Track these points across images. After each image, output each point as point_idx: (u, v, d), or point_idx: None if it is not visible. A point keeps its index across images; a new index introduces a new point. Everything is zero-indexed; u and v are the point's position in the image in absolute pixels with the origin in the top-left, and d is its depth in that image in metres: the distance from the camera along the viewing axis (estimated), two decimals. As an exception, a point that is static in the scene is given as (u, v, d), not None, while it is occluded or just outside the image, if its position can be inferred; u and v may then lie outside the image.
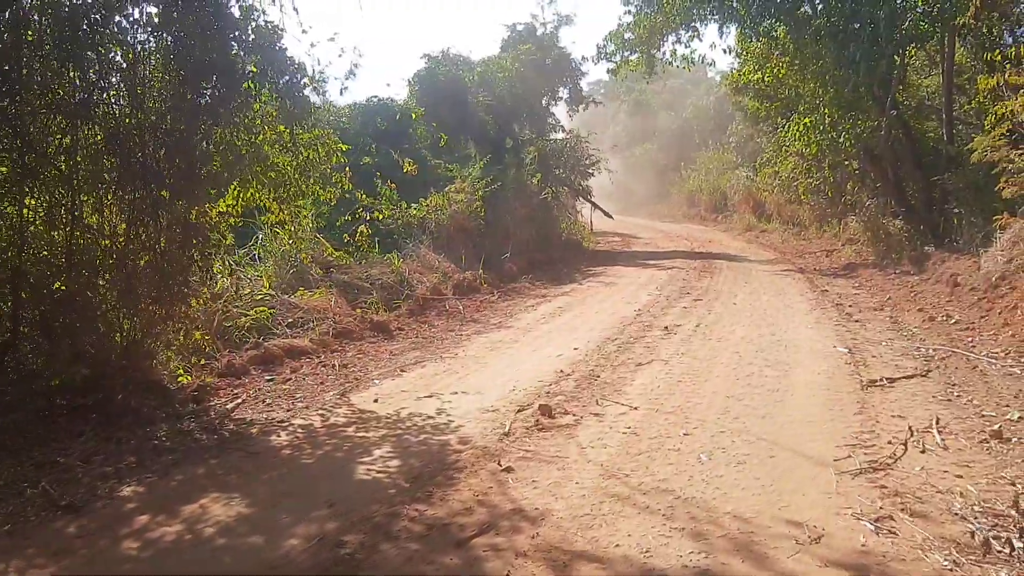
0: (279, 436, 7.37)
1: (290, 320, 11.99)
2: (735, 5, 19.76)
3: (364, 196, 12.78)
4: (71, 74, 8.01)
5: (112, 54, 8.39)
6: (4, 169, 7.79)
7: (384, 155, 20.93)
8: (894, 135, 18.36)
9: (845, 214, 23.15)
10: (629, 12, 23.45)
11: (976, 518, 4.94)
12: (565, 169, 27.47)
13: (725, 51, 24.14)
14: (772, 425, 7.00)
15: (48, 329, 7.99)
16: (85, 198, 8.29)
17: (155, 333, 8.79)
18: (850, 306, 13.54)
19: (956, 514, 5.02)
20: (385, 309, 13.66)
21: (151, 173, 8.46)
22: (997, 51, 15.05)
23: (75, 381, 7.76)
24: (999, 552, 4.57)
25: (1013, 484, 5.47)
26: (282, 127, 9.70)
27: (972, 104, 18.23)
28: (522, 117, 26.27)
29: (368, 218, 12.82)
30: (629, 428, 7.01)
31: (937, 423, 6.90)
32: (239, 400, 8.77)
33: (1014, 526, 4.78)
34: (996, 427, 6.63)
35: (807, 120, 20.13)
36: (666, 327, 11.90)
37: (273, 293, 12.56)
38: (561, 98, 28.91)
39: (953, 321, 11.47)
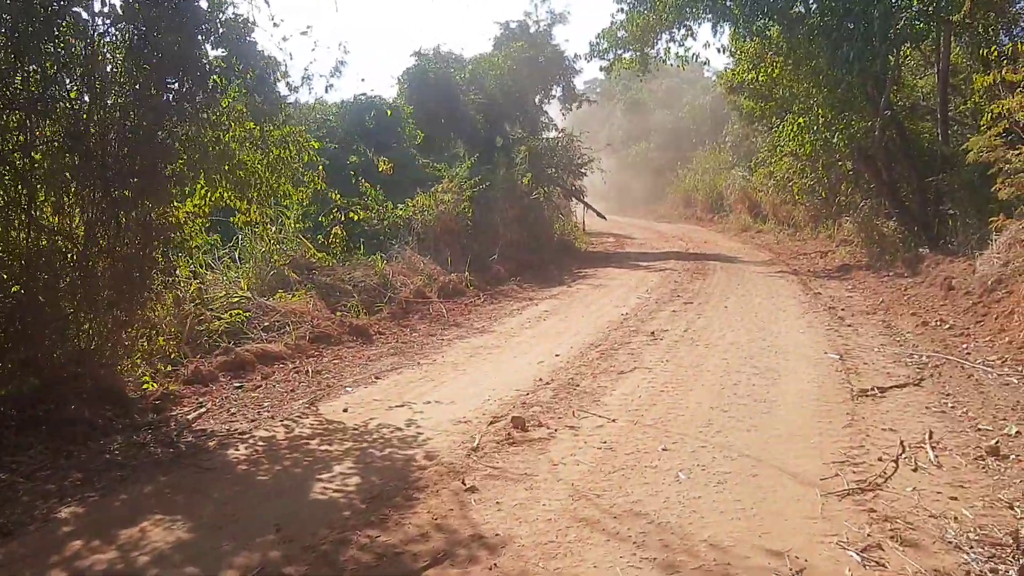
0: (238, 450, 6.98)
1: (266, 324, 11.62)
2: (728, 4, 19.46)
3: (339, 196, 12.42)
4: (28, 67, 7.64)
5: (72, 47, 8.00)
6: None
7: (370, 154, 20.58)
8: (888, 135, 18.01)
9: (839, 215, 22.81)
10: (622, 10, 23.07)
11: (971, 548, 4.57)
12: (557, 169, 27.09)
13: (719, 50, 23.73)
14: (757, 439, 6.62)
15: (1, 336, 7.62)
16: (44, 198, 7.92)
17: (114, 339, 8.41)
18: (843, 309, 13.18)
19: (950, 543, 4.64)
20: (366, 312, 13.29)
21: (112, 171, 8.11)
22: (994, 47, 14.70)
23: (21, 391, 7.37)
24: (996, 587, 4.21)
25: (1011, 508, 5.09)
26: (251, 124, 9.32)
27: (967, 104, 18.00)
28: (514, 116, 25.96)
29: (343, 219, 12.45)
30: (605, 443, 6.62)
31: (930, 437, 6.53)
32: (203, 409, 8.39)
33: (1012, 559, 4.41)
34: (993, 443, 6.26)
35: (801, 120, 19.86)
36: (652, 332, 11.52)
37: (249, 296, 12.16)
38: (554, 96, 28.61)
39: (947, 326, 11.11)
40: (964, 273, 13.14)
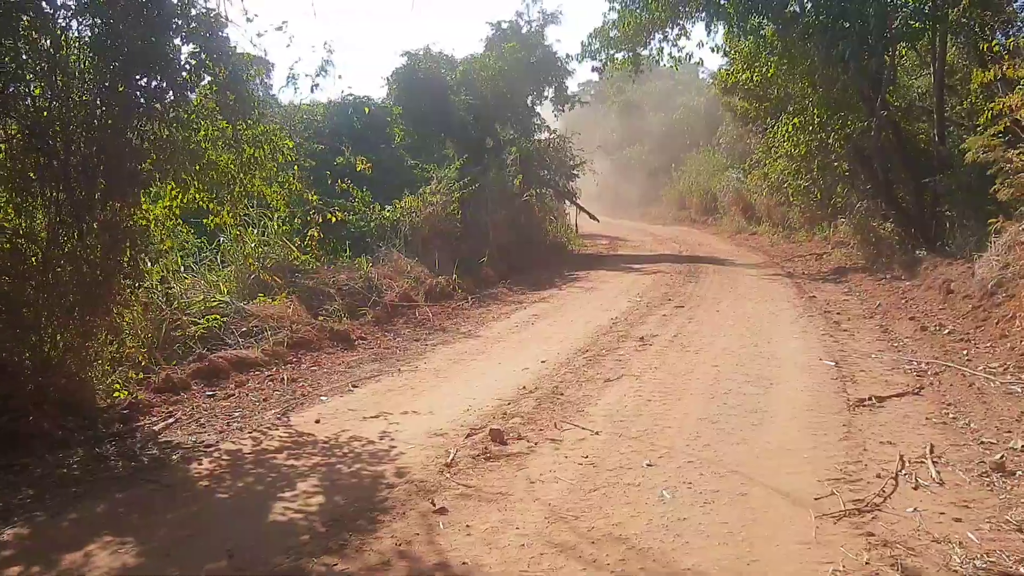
0: (201, 464, 6.62)
1: (244, 329, 11.24)
2: (722, 2, 19.09)
3: (316, 197, 12.07)
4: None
5: (35, 42, 7.64)
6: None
7: (356, 155, 20.18)
8: (884, 136, 17.67)
9: (835, 216, 22.53)
10: (614, 9, 22.70)
11: (979, 577, 4.22)
12: (549, 170, 26.73)
13: (713, 50, 23.37)
14: (747, 454, 6.26)
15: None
16: (6, 198, 7.57)
17: (79, 347, 8.03)
18: (838, 314, 12.85)
19: (954, 572, 4.29)
20: (349, 317, 12.91)
21: (77, 172, 7.76)
22: (995, 42, 14.39)
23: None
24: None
25: (1020, 531, 4.74)
26: (224, 122, 8.96)
27: (964, 104, 17.68)
28: (505, 117, 25.53)
29: (320, 221, 12.09)
30: (587, 457, 6.26)
31: (931, 452, 6.17)
32: (172, 420, 8.03)
33: (1024, 590, 4.06)
34: (998, 457, 5.91)
35: (796, 120, 19.59)
36: (642, 337, 11.17)
37: (228, 300, 11.78)
38: (546, 98, 28.23)
39: (946, 331, 10.77)
40: (963, 276, 12.80)
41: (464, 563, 4.53)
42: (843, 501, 5.25)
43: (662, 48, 23.05)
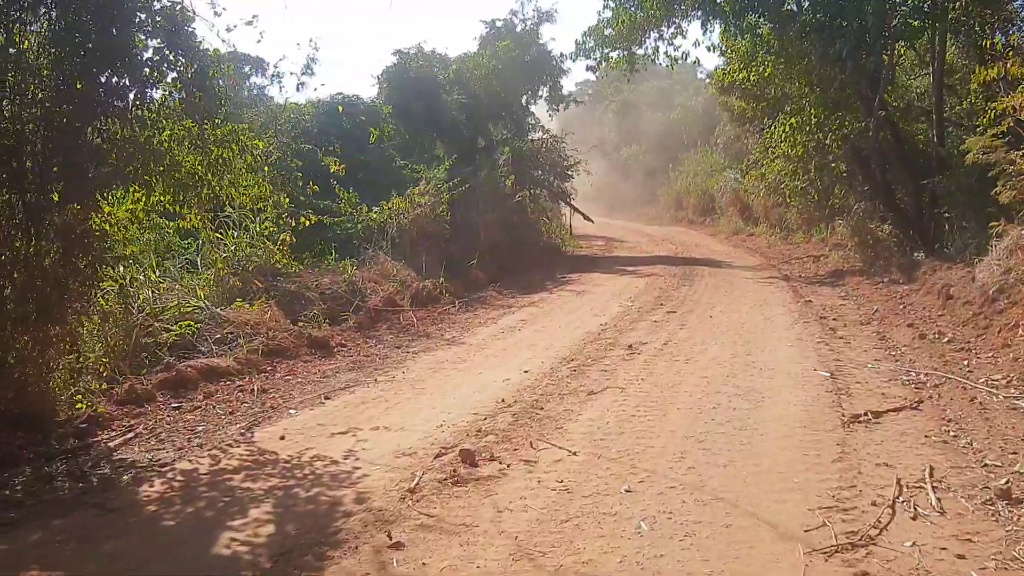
0: (152, 485, 6.20)
1: (218, 336, 10.82)
2: (718, 0, 18.70)
3: (287, 200, 11.67)
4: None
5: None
6: None
7: (345, 155, 19.73)
8: (882, 136, 17.29)
9: (833, 218, 22.15)
10: (608, 7, 22.29)
11: (984, 627, 3.80)
12: (543, 171, 26.31)
13: (709, 49, 23.05)
14: (734, 478, 5.83)
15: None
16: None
17: (32, 357, 7.61)
18: (834, 319, 12.44)
19: (958, 622, 3.88)
20: (329, 323, 12.49)
21: (32, 174, 7.37)
22: (998, 39, 14.01)
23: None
24: None
25: (1029, 570, 4.33)
26: (190, 122, 8.53)
27: (963, 105, 17.33)
28: (499, 116, 25.12)
29: (293, 224, 11.69)
30: (561, 482, 5.82)
31: (931, 475, 5.75)
32: (131, 435, 7.62)
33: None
34: (1003, 483, 5.48)
35: (793, 120, 19.22)
36: (630, 345, 10.74)
37: (203, 306, 11.34)
38: (541, 97, 27.83)
39: (946, 339, 10.36)
40: (963, 281, 12.38)
41: (414, 609, 4.11)
42: (835, 533, 4.83)
43: (658, 47, 22.72)
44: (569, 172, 27.48)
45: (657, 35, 22.54)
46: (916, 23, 16.14)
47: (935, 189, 16.17)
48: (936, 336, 10.62)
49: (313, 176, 18.56)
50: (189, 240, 12.99)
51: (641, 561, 4.56)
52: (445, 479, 5.92)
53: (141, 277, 11.06)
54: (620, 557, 4.61)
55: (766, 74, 19.45)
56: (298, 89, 21.03)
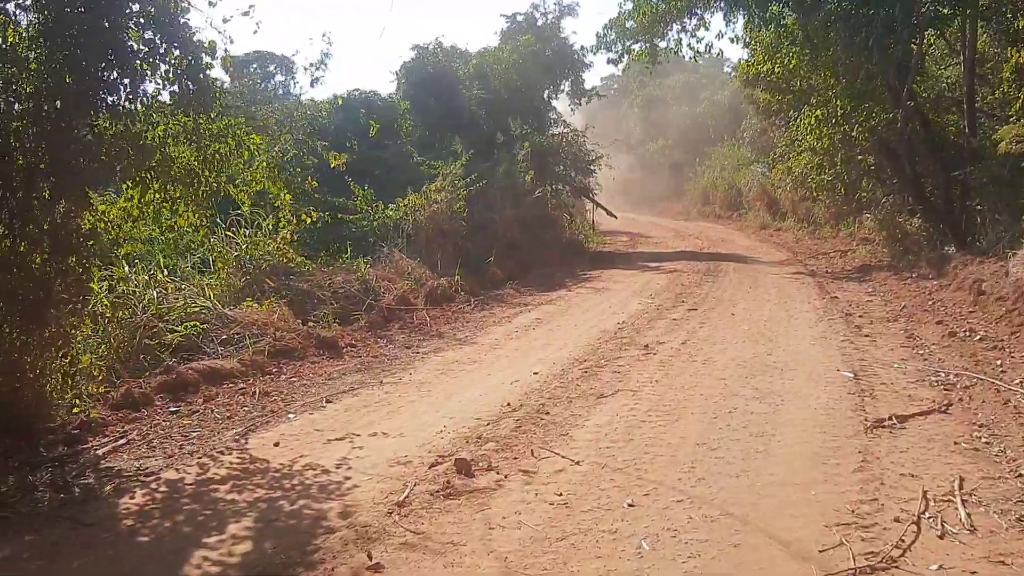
0: (133, 497, 5.89)
1: (224, 337, 10.54)
2: (741, -11, 18.32)
3: (289, 197, 11.36)
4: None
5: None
6: None
7: (364, 152, 19.49)
8: (911, 127, 16.79)
9: (860, 212, 21.67)
10: (629, -1, 21.93)
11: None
12: (565, 166, 25.93)
13: (732, 40, 22.71)
14: (746, 490, 5.44)
15: None
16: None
17: (21, 361, 7.33)
18: (860, 316, 12.00)
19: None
20: (339, 322, 12.17)
21: (21, 171, 7.10)
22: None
23: None
24: None
25: (1070, 599, 3.92)
26: (184, 116, 8.21)
27: (996, 94, 16.84)
28: (519, 111, 24.76)
29: (295, 222, 11.39)
30: (560, 495, 5.45)
31: (960, 487, 5.33)
32: (123, 441, 7.34)
33: None
34: (1039, 496, 5.06)
35: (819, 112, 18.71)
36: (647, 345, 10.36)
37: (210, 306, 11.07)
38: (563, 91, 27.48)
39: (978, 338, 9.91)
40: (995, 276, 11.92)
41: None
42: (853, 554, 4.44)
43: (680, 39, 22.42)
44: (591, 167, 27.04)
45: (679, 27, 22.22)
46: (946, 10, 15.76)
47: (966, 181, 15.72)
48: (967, 334, 10.18)
49: (328, 174, 18.36)
50: (202, 239, 12.76)
51: (639, 586, 4.19)
52: (437, 491, 5.56)
53: (145, 277, 10.85)
54: (617, 581, 4.25)
55: (791, 66, 19.02)
56: (312, 85, 20.70)
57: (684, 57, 23.41)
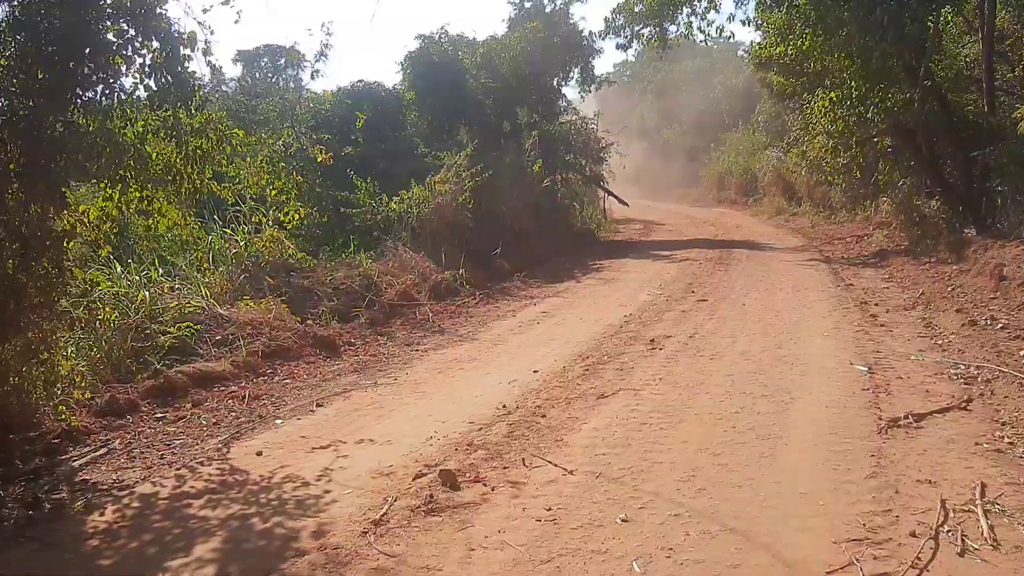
0: (103, 514, 5.57)
1: (219, 338, 10.21)
2: (751, -31, 17.86)
3: (274, 192, 11.03)
4: None
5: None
6: None
7: (368, 144, 19.19)
8: (928, 107, 16.29)
9: (877, 196, 21.20)
10: (638, -18, 21.51)
11: None
12: (575, 154, 25.52)
13: (744, 23, 22.28)
14: (750, 501, 5.05)
15: None
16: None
17: (-6, 369, 7.03)
18: (876, 305, 11.59)
19: None
20: (339, 320, 11.84)
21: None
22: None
23: None
24: None
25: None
26: (164, 111, 7.87)
27: (1016, 72, 16.39)
28: (528, 99, 24.35)
29: (281, 219, 11.07)
30: (549, 509, 5.07)
31: (982, 495, 4.94)
32: (103, 451, 7.02)
33: None
34: (1069, 506, 4.66)
35: (833, 95, 18.17)
36: (652, 340, 9.98)
37: (204, 306, 10.75)
38: (572, 79, 27.06)
39: (999, 326, 9.49)
40: (1018, 260, 11.50)
41: None
42: (865, 575, 4.06)
43: (691, 22, 22.05)
44: (602, 155, 26.62)
45: (689, 10, 21.96)
46: (963, -14, 15.23)
47: (986, 161, 15.29)
48: (988, 322, 9.76)
49: (332, 167, 18.03)
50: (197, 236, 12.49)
51: (627, 616, 3.83)
52: (418, 507, 5.18)
53: (137, 277, 10.57)
54: (603, 610, 3.88)
55: (804, 47, 18.48)
56: (312, 77, 20.35)
57: (696, 41, 23.02)
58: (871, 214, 22.17)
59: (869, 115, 17.42)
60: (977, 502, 4.83)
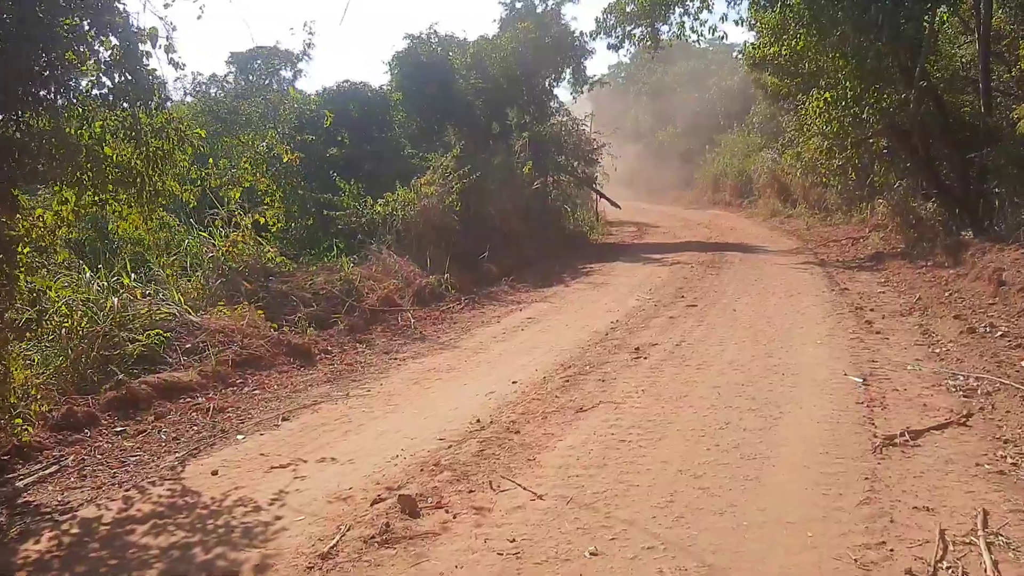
0: (39, 541, 5.18)
1: (189, 346, 9.81)
2: (744, -32, 17.52)
3: (237, 194, 10.62)
4: None
5: None
6: None
7: (353, 145, 18.81)
8: (924, 108, 15.96)
9: (873, 197, 20.89)
10: (629, -19, 21.13)
11: None
12: (566, 155, 25.14)
13: (737, 22, 21.90)
14: (731, 532, 4.64)
15: None
16: None
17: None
18: (871, 310, 11.21)
19: None
20: (318, 326, 11.45)
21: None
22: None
23: None
24: None
25: None
26: (122, 110, 7.48)
27: (1012, 73, 16.15)
28: (518, 101, 23.99)
29: (250, 222, 10.67)
30: (513, 540, 4.66)
31: (984, 524, 4.54)
32: (53, 468, 6.65)
33: None
34: (1079, 537, 4.27)
35: (828, 95, 17.83)
36: (637, 348, 9.59)
37: (175, 312, 10.35)
38: (564, 80, 26.71)
39: (999, 334, 9.12)
40: (1017, 264, 11.15)
41: None
42: (855, 620, 3.67)
43: (683, 22, 21.66)
44: (593, 156, 26.25)
45: (681, 9, 21.56)
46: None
47: (983, 162, 14.98)
48: (988, 329, 9.40)
49: (317, 168, 17.65)
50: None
51: (589, 670, 3.43)
52: (372, 537, 4.76)
53: (104, 283, 10.18)
54: (563, 663, 3.48)
55: (798, 47, 18.14)
56: (295, 77, 19.89)
57: (687, 41, 22.66)
58: (867, 216, 21.88)
59: (864, 116, 17.11)
60: (979, 533, 4.44)
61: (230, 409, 8.14)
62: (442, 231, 16.42)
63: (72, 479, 6.41)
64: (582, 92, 26.66)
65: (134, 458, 6.83)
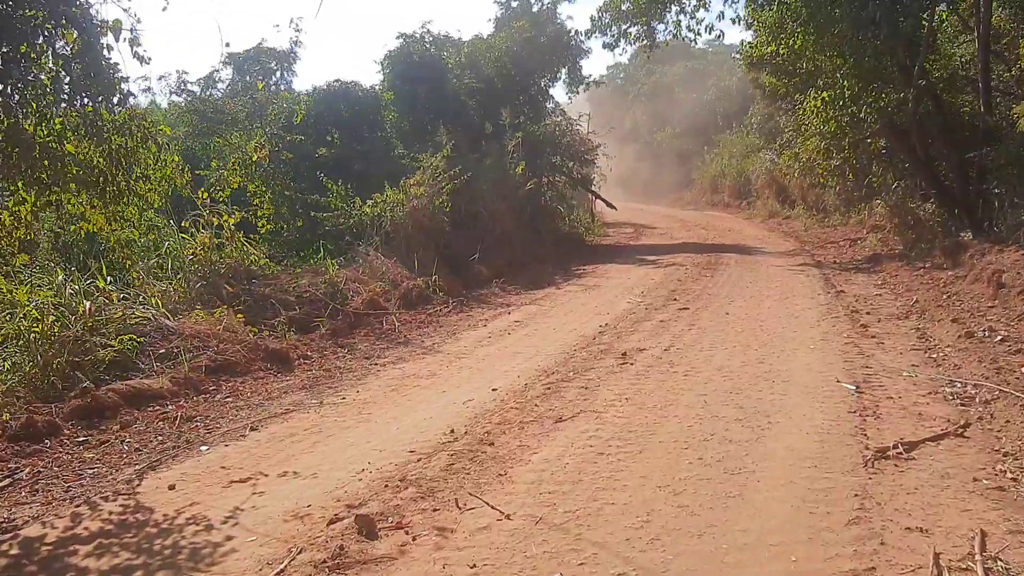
0: (-25, 564, 4.85)
1: (163, 351, 9.50)
2: (741, -34, 17.24)
3: (205, 194, 10.31)
4: None
5: None
6: None
7: (343, 145, 18.47)
8: (923, 108, 15.67)
9: (871, 198, 20.60)
10: (624, -23, 20.85)
11: None
12: (561, 156, 24.82)
13: (734, 21, 21.70)
14: (709, 557, 4.30)
15: None
16: None
17: None
18: (867, 313, 10.92)
19: None
20: (299, 330, 11.15)
21: None
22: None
23: None
24: None
25: None
26: (84, 106, 7.17)
27: (1012, 72, 15.89)
28: (513, 101, 23.68)
29: (217, 223, 10.35)
30: (474, 566, 4.32)
31: (982, 548, 4.21)
32: (7, 482, 6.34)
33: None
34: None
35: (825, 95, 17.50)
36: (624, 353, 9.26)
37: (150, 316, 10.04)
38: (560, 79, 26.44)
39: (999, 338, 8.80)
40: (1017, 266, 10.83)
41: None
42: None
43: (679, 21, 21.39)
44: (588, 156, 25.93)
45: (678, 8, 21.29)
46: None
47: (982, 162, 14.68)
48: (987, 334, 9.07)
49: (306, 169, 17.33)
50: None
51: None
52: (324, 561, 4.42)
53: (77, 286, 9.88)
54: None
55: (796, 46, 17.82)
56: (282, 76, 19.54)
57: (683, 39, 22.38)
58: (865, 217, 21.61)
59: (862, 115, 16.79)
60: (976, 557, 4.11)
61: (199, 418, 7.82)
62: (431, 232, 16.10)
63: (23, 494, 6.09)
64: (578, 92, 26.40)
65: (92, 471, 6.51)
